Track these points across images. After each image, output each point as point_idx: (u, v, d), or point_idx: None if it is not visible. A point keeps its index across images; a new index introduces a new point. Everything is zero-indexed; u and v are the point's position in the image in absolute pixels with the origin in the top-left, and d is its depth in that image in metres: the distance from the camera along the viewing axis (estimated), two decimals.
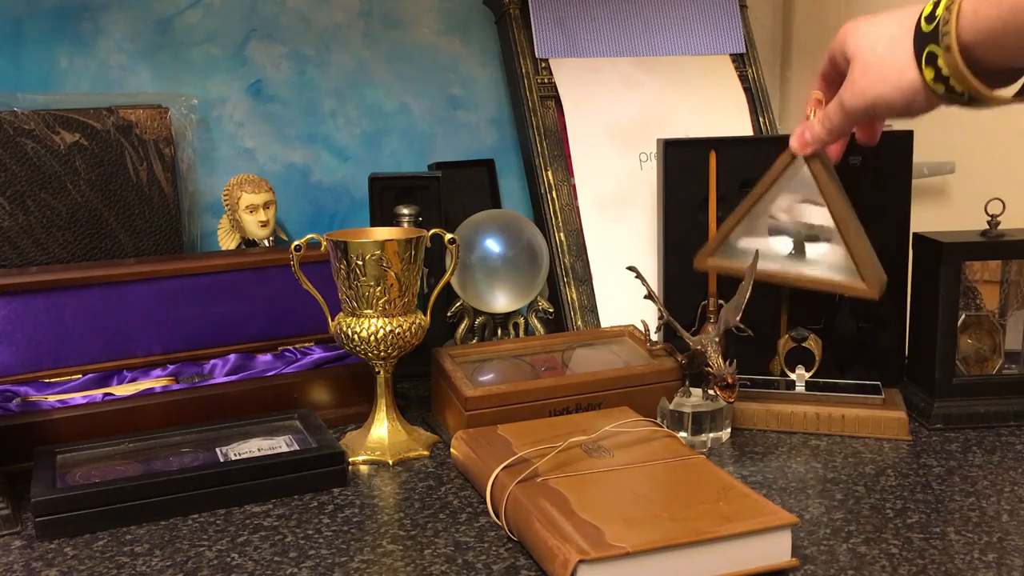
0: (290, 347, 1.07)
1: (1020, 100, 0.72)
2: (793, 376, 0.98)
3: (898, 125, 1.07)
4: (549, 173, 1.17)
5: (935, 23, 0.71)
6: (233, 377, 0.99)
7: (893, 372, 1.05)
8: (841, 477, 0.83)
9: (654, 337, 1.00)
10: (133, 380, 0.99)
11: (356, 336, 0.88)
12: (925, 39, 0.72)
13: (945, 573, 0.66)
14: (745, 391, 0.95)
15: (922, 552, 0.69)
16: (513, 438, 0.82)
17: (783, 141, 1.06)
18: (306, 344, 1.08)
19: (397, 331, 0.88)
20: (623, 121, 1.20)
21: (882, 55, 0.76)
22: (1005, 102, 0.72)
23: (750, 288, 0.93)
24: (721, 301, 1.01)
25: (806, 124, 0.87)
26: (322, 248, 0.89)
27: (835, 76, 0.84)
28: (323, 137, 1.26)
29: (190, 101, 1.18)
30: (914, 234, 1.01)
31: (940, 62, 0.71)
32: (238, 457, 0.83)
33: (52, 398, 0.94)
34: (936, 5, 0.72)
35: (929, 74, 0.72)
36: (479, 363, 0.99)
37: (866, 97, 0.78)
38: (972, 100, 0.72)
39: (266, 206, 1.14)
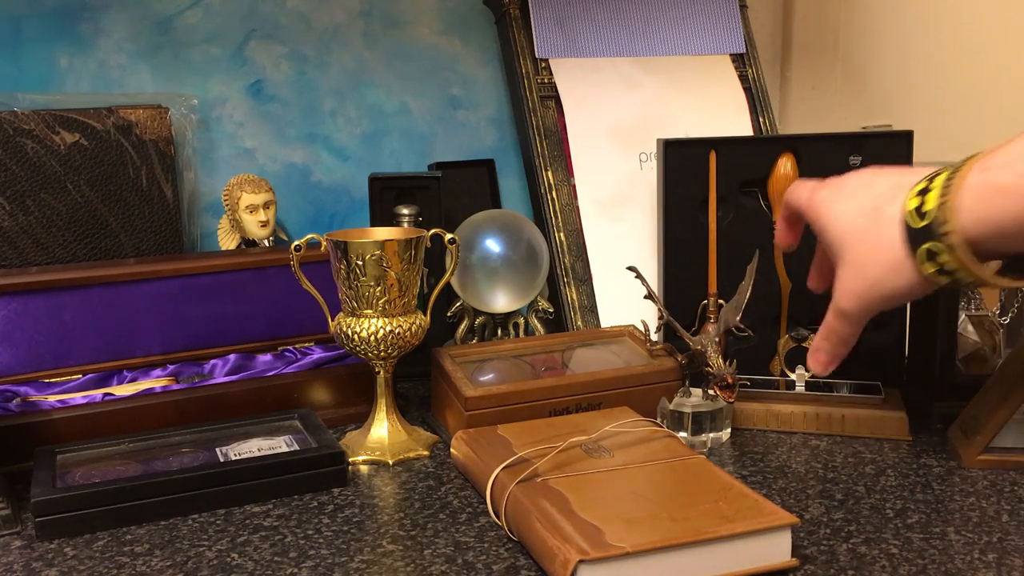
0: (290, 347, 1.07)
1: (1014, 281, 0.68)
2: (793, 376, 0.98)
3: (898, 125, 1.07)
4: (549, 173, 1.17)
5: (927, 220, 0.64)
6: (233, 377, 0.99)
7: (893, 372, 1.05)
8: (841, 477, 0.83)
9: (654, 337, 1.00)
10: (133, 380, 0.99)
11: (356, 336, 0.88)
12: (919, 236, 0.65)
13: (945, 573, 0.66)
14: (745, 391, 0.96)
15: (922, 552, 0.69)
16: (513, 438, 0.82)
17: (783, 141, 1.07)
18: (306, 344, 1.08)
19: (397, 331, 0.88)
20: (623, 121, 1.20)
21: (870, 253, 0.69)
22: (1009, 285, 0.68)
23: (750, 288, 0.93)
24: (721, 301, 1.01)
25: (815, 347, 0.78)
26: (322, 248, 0.89)
27: (794, 221, 0.79)
28: (323, 137, 1.26)
29: (190, 101, 1.18)
30: None
31: (943, 258, 0.64)
32: (238, 457, 0.83)
33: (52, 398, 0.94)
34: (923, 194, 0.65)
35: (930, 268, 0.65)
36: (479, 363, 0.99)
37: (866, 303, 0.71)
38: (978, 285, 0.67)
39: (266, 206, 1.14)
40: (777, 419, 0.94)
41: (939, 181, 0.64)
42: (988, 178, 0.63)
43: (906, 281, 0.68)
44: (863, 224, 0.70)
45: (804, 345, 0.98)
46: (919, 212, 0.65)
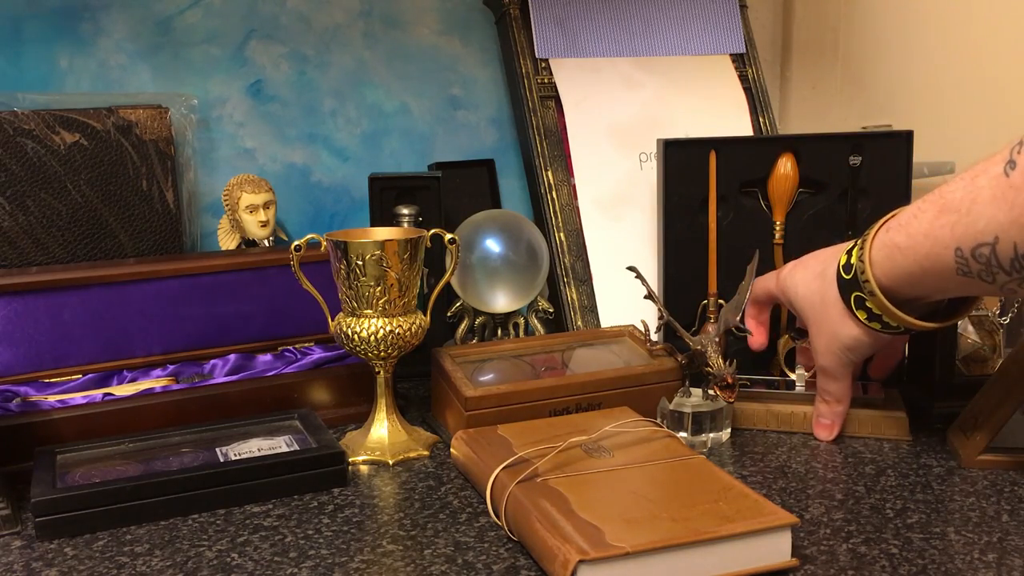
0: (290, 347, 1.07)
1: (943, 323, 0.80)
2: (793, 376, 0.98)
3: (898, 125, 1.07)
4: (549, 173, 1.17)
5: (850, 274, 0.79)
6: (233, 377, 0.99)
7: (893, 372, 1.05)
8: (841, 477, 0.83)
9: (654, 337, 1.00)
10: (133, 380, 0.99)
11: (356, 336, 0.88)
12: (848, 287, 0.80)
13: (945, 573, 0.66)
14: (745, 391, 0.96)
15: (922, 552, 0.69)
16: (513, 438, 0.82)
17: (783, 141, 1.07)
18: (306, 344, 1.08)
19: (397, 331, 0.88)
20: (623, 121, 1.20)
21: (820, 312, 0.84)
22: (934, 328, 0.80)
23: (750, 288, 0.93)
24: (721, 301, 1.02)
25: (817, 413, 0.91)
26: (322, 248, 0.89)
27: (761, 313, 0.96)
28: (323, 137, 1.26)
29: (190, 101, 1.18)
30: None
31: (869, 304, 0.79)
32: (238, 457, 0.83)
33: (52, 398, 0.94)
34: (849, 254, 0.80)
35: (862, 315, 0.80)
36: (479, 363, 0.99)
37: (835, 354, 0.84)
38: (907, 330, 0.80)
39: (266, 206, 1.14)
40: (777, 419, 0.94)
41: (861, 241, 0.79)
42: (889, 238, 0.76)
43: (853, 329, 0.81)
44: (816, 287, 0.84)
45: (804, 345, 0.98)
46: (846, 267, 0.80)
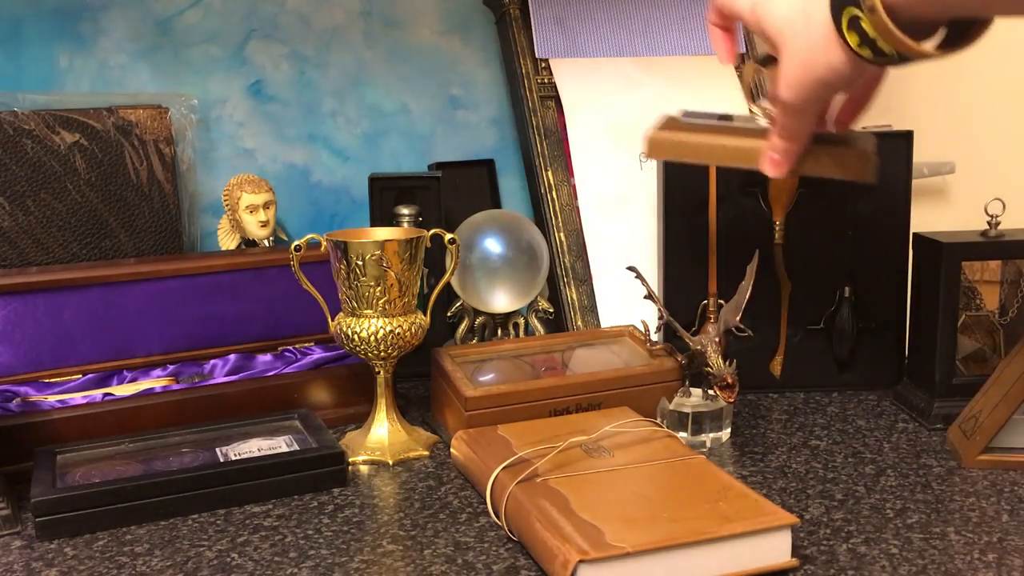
0: (290, 347, 1.07)
1: (944, 53, 0.68)
2: (756, 109, 0.82)
3: (898, 125, 1.07)
4: (549, 173, 1.17)
5: None
6: (233, 377, 0.99)
7: (893, 372, 1.05)
8: (841, 477, 0.83)
9: (654, 337, 1.00)
10: (133, 380, 0.99)
11: (356, 336, 0.88)
12: (840, 3, 0.67)
13: (945, 573, 0.66)
14: (695, 123, 0.83)
15: (922, 552, 0.69)
16: (513, 438, 0.82)
17: None
18: (306, 344, 1.08)
19: (397, 331, 0.88)
20: (623, 121, 1.20)
21: (801, 34, 0.70)
22: (932, 56, 0.67)
23: (750, 288, 0.93)
24: (721, 301, 1.01)
25: (769, 146, 0.77)
26: (322, 248, 0.89)
27: (729, 27, 0.83)
28: (323, 137, 1.26)
29: (190, 101, 1.18)
30: (914, 234, 1.01)
31: (864, 25, 0.66)
32: (238, 457, 0.83)
33: (52, 398, 0.94)
34: None
35: (853, 39, 0.67)
36: (479, 363, 0.99)
37: (805, 87, 0.72)
38: (900, 59, 0.67)
39: (266, 206, 1.14)
40: (731, 154, 0.80)
41: None
42: None
43: (835, 58, 0.69)
44: (799, 5, 0.71)
45: (773, 72, 0.80)
46: None
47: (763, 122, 0.80)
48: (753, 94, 0.85)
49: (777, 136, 0.77)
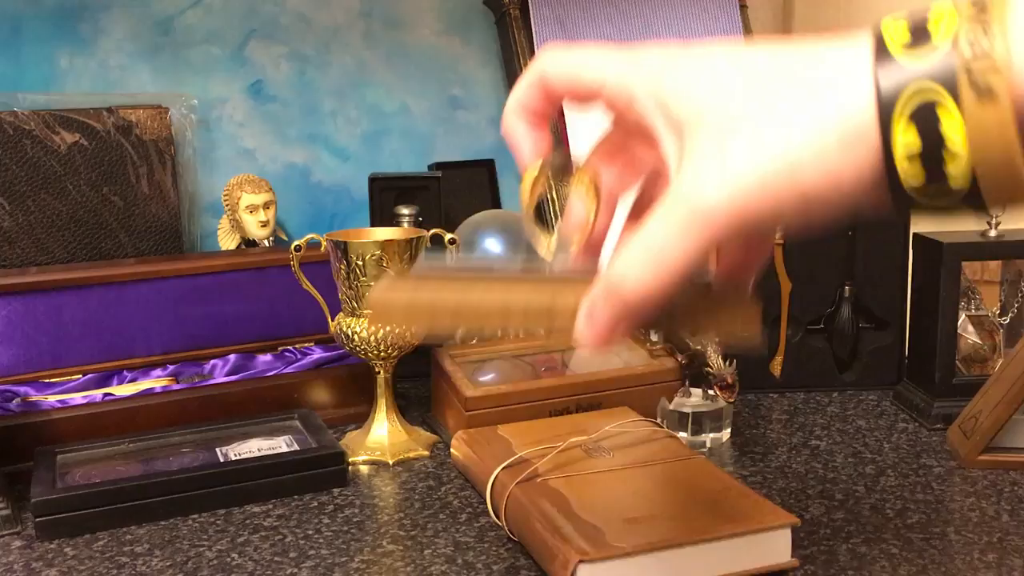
0: (290, 347, 1.07)
1: None
2: (545, 244, 0.54)
3: None
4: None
5: (928, 40, 0.35)
6: (233, 377, 0.99)
7: (893, 372, 1.05)
8: (841, 477, 0.83)
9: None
10: (133, 380, 0.99)
11: (356, 336, 0.88)
12: (907, 72, 0.35)
13: (945, 573, 0.66)
14: (463, 269, 0.53)
15: (922, 552, 0.69)
16: (513, 438, 0.82)
17: None
18: (306, 344, 1.08)
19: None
20: None
21: (740, 122, 0.38)
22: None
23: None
24: None
25: (590, 308, 0.43)
26: (322, 248, 0.89)
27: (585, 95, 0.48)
28: (323, 137, 1.26)
29: (190, 101, 1.18)
30: (914, 234, 1.01)
31: (947, 128, 0.34)
32: (238, 457, 0.83)
33: (52, 398, 0.94)
34: (917, 18, 0.35)
35: (909, 143, 0.35)
36: (479, 363, 0.99)
37: (698, 225, 0.39)
38: (974, 203, 0.37)
39: (266, 206, 1.14)
40: (525, 316, 0.48)
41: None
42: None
43: (825, 179, 0.36)
44: (756, 71, 0.40)
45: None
46: (917, 33, 0.36)
47: (553, 266, 0.53)
48: (543, 213, 0.58)
49: (608, 295, 0.42)
